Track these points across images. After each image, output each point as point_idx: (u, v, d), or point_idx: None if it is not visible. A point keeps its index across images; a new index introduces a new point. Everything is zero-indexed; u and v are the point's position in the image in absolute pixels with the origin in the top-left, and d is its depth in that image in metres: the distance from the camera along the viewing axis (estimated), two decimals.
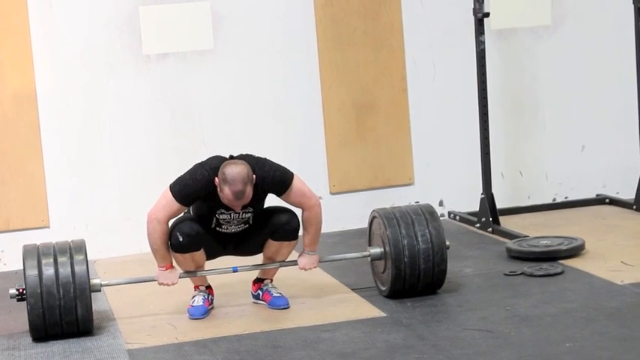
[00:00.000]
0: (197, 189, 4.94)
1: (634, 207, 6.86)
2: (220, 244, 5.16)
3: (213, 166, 4.92)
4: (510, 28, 7.13)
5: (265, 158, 5.04)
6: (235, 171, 4.79)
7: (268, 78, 6.86)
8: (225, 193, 4.81)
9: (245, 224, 5.11)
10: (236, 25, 6.77)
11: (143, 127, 6.72)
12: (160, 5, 6.65)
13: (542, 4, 7.14)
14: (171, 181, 5.00)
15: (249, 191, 4.82)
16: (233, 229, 5.10)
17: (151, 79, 6.70)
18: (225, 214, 5.02)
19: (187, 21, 6.71)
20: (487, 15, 6.48)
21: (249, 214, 5.05)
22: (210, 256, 5.19)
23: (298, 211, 5.14)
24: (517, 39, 7.15)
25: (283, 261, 5.23)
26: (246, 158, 4.96)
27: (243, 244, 5.18)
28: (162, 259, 5.05)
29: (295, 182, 5.03)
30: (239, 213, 5.00)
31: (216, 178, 4.86)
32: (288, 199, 5.06)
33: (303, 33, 6.87)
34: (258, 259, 5.31)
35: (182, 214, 5.11)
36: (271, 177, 4.97)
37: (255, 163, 4.96)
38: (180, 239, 4.99)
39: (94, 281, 5.02)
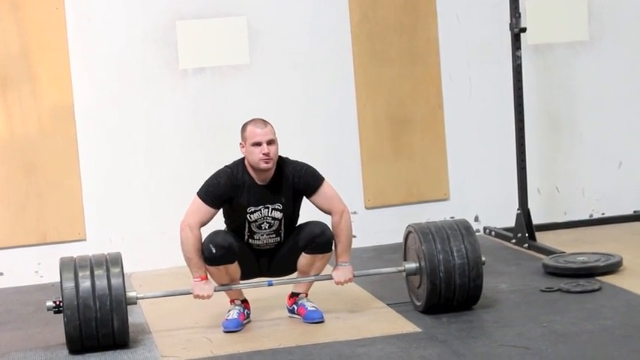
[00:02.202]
0: (222, 186, 5.04)
1: None
2: (255, 263, 5.18)
3: (235, 162, 5.10)
4: (547, 43, 7.10)
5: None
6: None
7: (304, 93, 6.88)
8: (249, 130, 5.03)
9: (277, 236, 5.13)
10: (272, 40, 6.79)
11: (179, 141, 6.76)
12: (197, 20, 6.69)
13: (579, 19, 7.11)
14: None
15: (271, 127, 5.05)
16: (265, 240, 5.12)
17: (187, 93, 6.74)
18: (256, 211, 5.04)
19: (224, 36, 6.74)
20: (524, 30, 6.46)
21: (280, 214, 5.08)
22: (245, 274, 5.21)
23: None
24: (554, 54, 7.12)
25: (318, 275, 5.23)
26: (281, 157, 5.11)
27: (276, 261, 5.20)
28: (197, 268, 5.07)
29: (325, 184, 5.12)
30: (268, 208, 5.04)
31: (240, 145, 5.06)
32: (318, 200, 5.11)
33: (339, 48, 6.88)
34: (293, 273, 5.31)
35: (216, 230, 5.13)
36: (303, 172, 5.09)
37: (289, 160, 5.13)
38: (214, 251, 5.02)
39: (130, 294, 5.04)
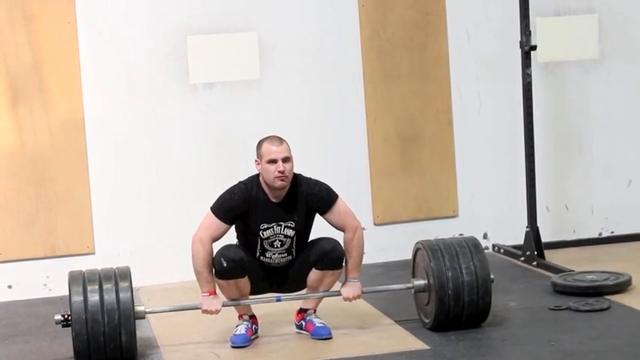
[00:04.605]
0: (235, 202, 5.04)
1: None
2: (265, 279, 5.18)
3: (250, 178, 5.10)
4: (557, 61, 7.10)
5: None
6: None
7: (314, 108, 6.89)
8: (265, 148, 5.03)
9: (288, 254, 5.13)
10: (282, 55, 6.81)
11: (189, 155, 6.77)
12: (208, 35, 6.71)
13: (589, 37, 7.11)
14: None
15: (287, 144, 5.03)
16: (277, 259, 5.12)
17: (197, 108, 6.75)
18: (268, 229, 5.05)
19: (234, 51, 6.76)
20: (534, 48, 6.46)
21: (292, 232, 5.08)
22: (255, 290, 5.21)
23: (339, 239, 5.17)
24: (564, 72, 7.12)
25: (327, 291, 5.23)
26: (295, 174, 5.11)
27: (287, 277, 5.19)
28: (206, 282, 5.07)
29: (339, 202, 5.13)
30: (281, 226, 5.04)
31: (256, 162, 5.06)
32: (332, 217, 5.11)
33: (349, 64, 6.89)
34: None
35: (228, 244, 5.13)
36: (317, 190, 5.10)
37: (303, 177, 5.12)
38: (225, 264, 5.02)
39: (139, 308, 5.04)
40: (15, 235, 6.57)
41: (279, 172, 4.98)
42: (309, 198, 5.09)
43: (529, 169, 6.58)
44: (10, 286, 6.59)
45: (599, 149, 7.18)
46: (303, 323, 5.29)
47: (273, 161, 5.00)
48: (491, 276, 5.18)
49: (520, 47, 6.52)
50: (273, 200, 5.07)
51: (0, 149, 6.53)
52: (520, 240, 6.67)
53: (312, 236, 5.22)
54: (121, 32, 6.65)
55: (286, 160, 5.02)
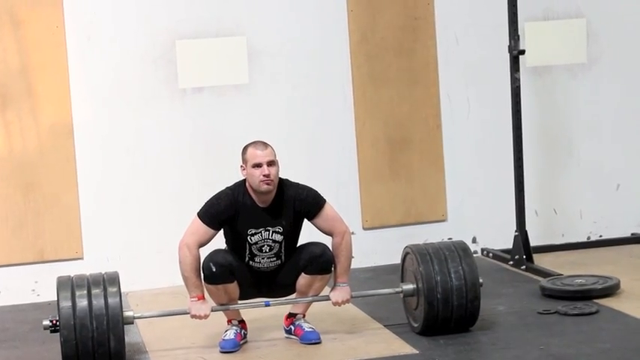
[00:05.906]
0: (222, 207, 5.04)
1: None
2: (254, 284, 5.18)
3: (236, 184, 5.09)
4: (546, 65, 7.12)
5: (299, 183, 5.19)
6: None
7: (303, 113, 6.89)
8: (250, 152, 5.04)
9: (277, 259, 5.12)
10: (271, 60, 6.81)
11: (177, 160, 6.76)
12: (197, 39, 6.70)
13: (577, 41, 7.13)
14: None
15: (271, 149, 5.05)
16: (266, 263, 5.12)
17: (186, 112, 6.75)
18: (256, 234, 5.05)
19: (223, 55, 6.76)
20: (522, 52, 6.48)
21: (280, 237, 5.08)
22: (244, 295, 5.21)
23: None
24: (552, 76, 7.14)
25: (316, 295, 5.22)
26: (282, 180, 5.10)
27: (276, 282, 5.19)
28: (194, 287, 5.06)
29: (327, 207, 5.13)
30: (269, 231, 5.04)
31: (241, 167, 5.07)
32: (320, 222, 5.11)
33: (338, 68, 6.89)
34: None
35: (217, 249, 5.13)
36: (305, 195, 5.10)
37: (290, 183, 5.12)
38: (213, 269, 5.01)
39: (127, 313, 5.03)
40: (3, 240, 6.55)
41: (264, 175, 4.98)
42: (297, 203, 5.09)
43: (518, 174, 6.59)
44: None
45: (588, 153, 7.19)
46: (292, 328, 5.29)
47: (258, 165, 5.00)
48: (480, 280, 5.18)
49: (508, 51, 6.53)
50: (260, 205, 5.07)
51: None
52: (509, 244, 6.68)
53: (301, 241, 5.22)
54: (109, 37, 6.65)
55: (271, 163, 5.02)
